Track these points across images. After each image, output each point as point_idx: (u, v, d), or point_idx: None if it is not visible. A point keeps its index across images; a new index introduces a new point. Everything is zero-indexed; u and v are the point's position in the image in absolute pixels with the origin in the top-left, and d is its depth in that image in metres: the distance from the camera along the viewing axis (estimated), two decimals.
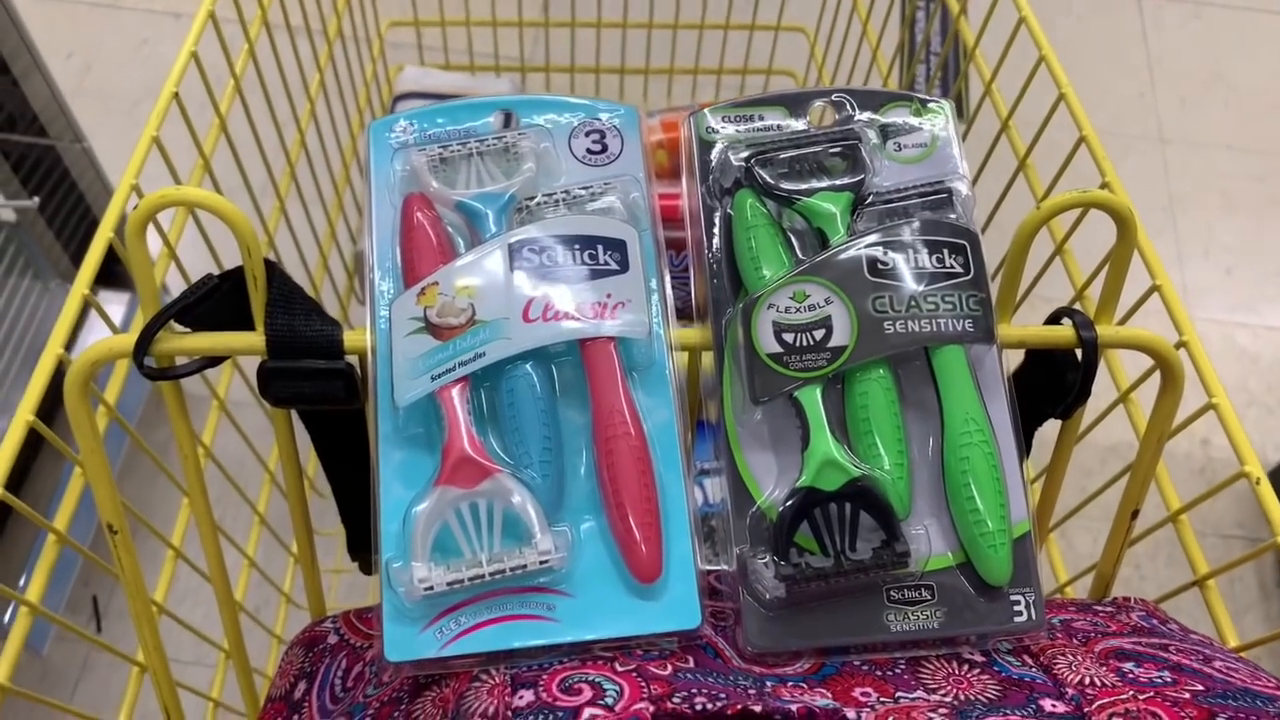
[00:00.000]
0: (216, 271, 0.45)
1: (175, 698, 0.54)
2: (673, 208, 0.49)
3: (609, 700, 0.37)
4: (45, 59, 1.01)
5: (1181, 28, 1.73)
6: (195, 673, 1.00)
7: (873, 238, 0.43)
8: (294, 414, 0.49)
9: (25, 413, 0.47)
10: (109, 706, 1.09)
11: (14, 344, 1.11)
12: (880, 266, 0.42)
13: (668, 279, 0.45)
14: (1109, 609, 0.49)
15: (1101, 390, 0.56)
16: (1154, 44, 1.70)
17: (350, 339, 0.43)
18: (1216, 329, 1.43)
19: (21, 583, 1.05)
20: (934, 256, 0.43)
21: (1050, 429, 0.51)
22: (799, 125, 0.47)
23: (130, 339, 0.43)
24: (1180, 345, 0.50)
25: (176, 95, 0.59)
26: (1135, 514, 0.50)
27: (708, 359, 0.44)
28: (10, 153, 1.06)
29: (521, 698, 0.38)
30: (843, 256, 0.43)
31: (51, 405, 0.48)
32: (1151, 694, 0.39)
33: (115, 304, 1.17)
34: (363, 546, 0.53)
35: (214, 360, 0.45)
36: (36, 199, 1.01)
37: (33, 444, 1.08)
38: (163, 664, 0.53)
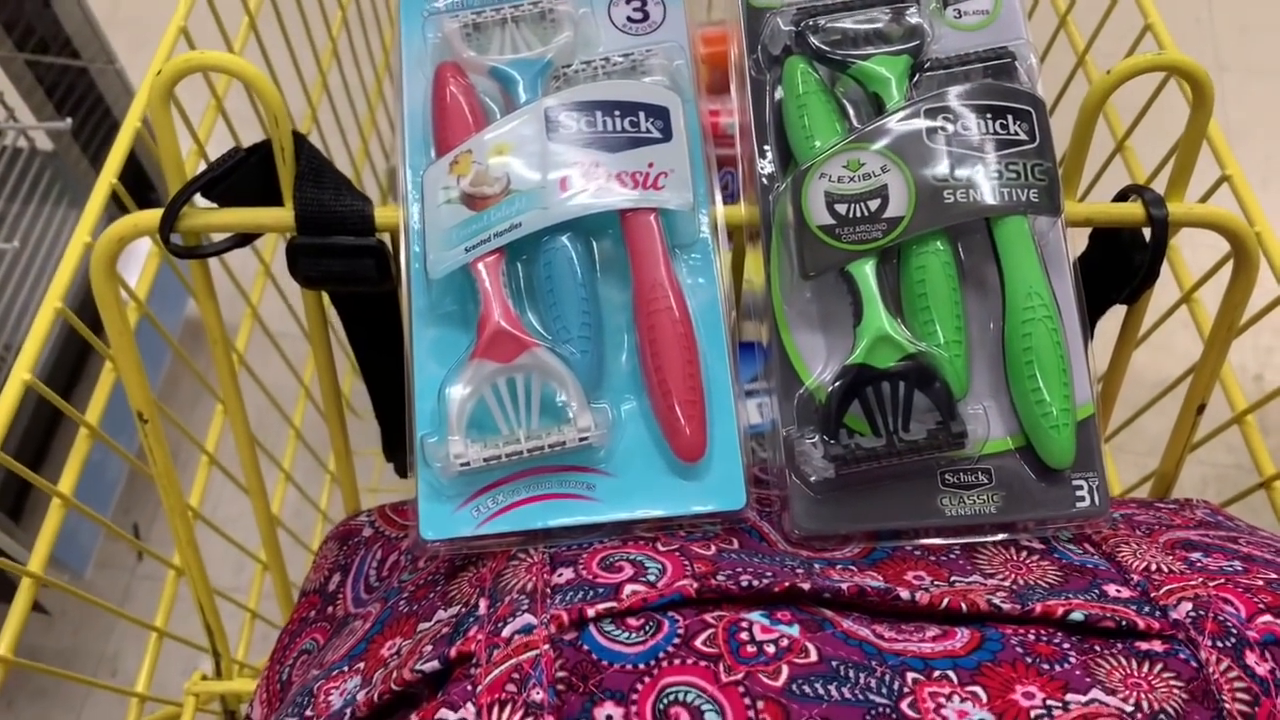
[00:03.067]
0: None
1: (210, 596, 0.54)
2: (715, 124, 0.46)
3: (651, 578, 0.35)
4: None
5: None
6: (236, 597, 1.00)
7: (931, 103, 0.40)
8: (327, 300, 0.48)
9: (54, 299, 0.46)
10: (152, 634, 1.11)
11: (51, 268, 1.10)
12: (940, 133, 0.40)
13: (713, 156, 0.43)
14: (1172, 506, 0.47)
15: (1165, 296, 0.54)
16: None
17: (381, 215, 0.42)
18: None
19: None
20: (997, 122, 0.40)
21: (1110, 337, 0.49)
22: None
23: (156, 215, 0.42)
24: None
25: None
26: (1201, 409, 0.48)
27: (755, 270, 0.42)
28: (43, 76, 1.05)
29: (561, 575, 0.36)
30: (899, 122, 0.40)
31: (89, 317, 0.46)
32: (1222, 580, 0.37)
33: None
34: (399, 445, 0.52)
35: (243, 239, 0.44)
36: (69, 120, 1.00)
37: (72, 365, 1.08)
38: (197, 562, 0.53)
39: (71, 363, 1.09)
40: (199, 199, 0.43)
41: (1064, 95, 0.67)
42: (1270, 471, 0.51)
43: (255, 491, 0.54)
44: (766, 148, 0.42)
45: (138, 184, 1.06)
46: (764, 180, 0.42)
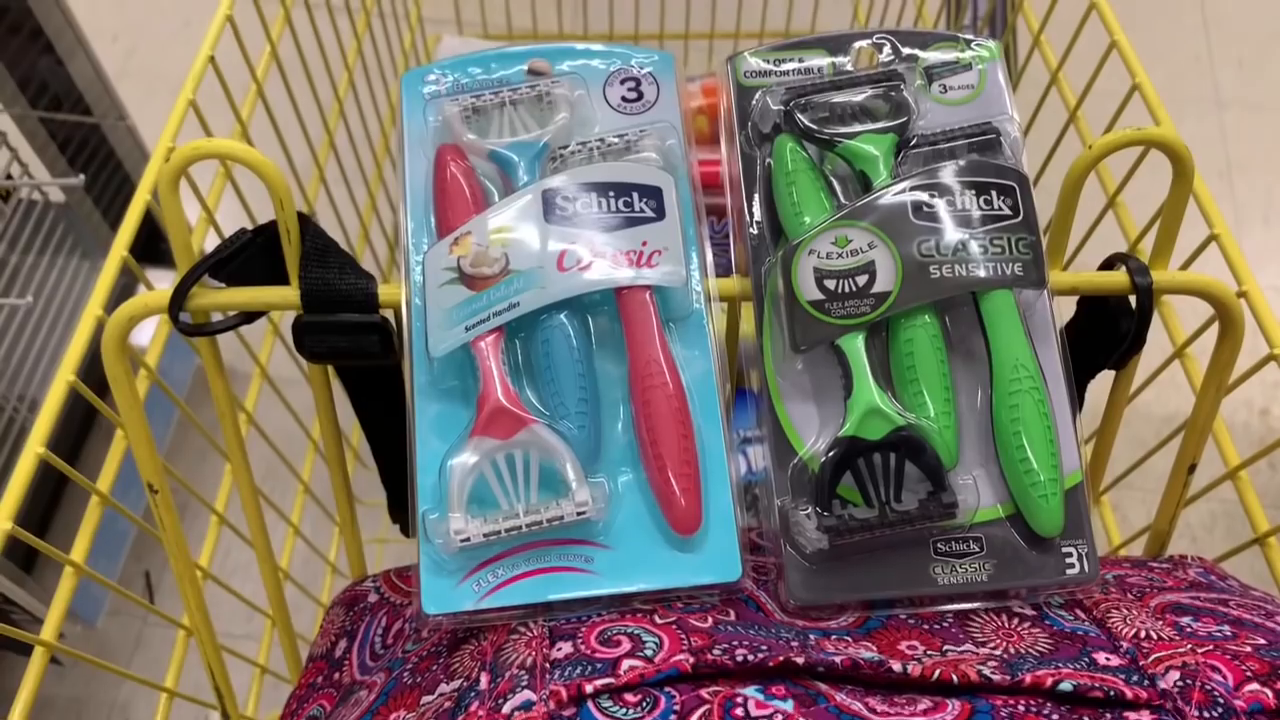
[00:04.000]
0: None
1: (219, 657, 0.54)
2: (714, 174, 0.48)
3: (648, 652, 0.36)
4: (90, 41, 1.01)
5: None
6: (245, 646, 1.01)
7: (917, 179, 0.41)
8: (332, 373, 0.49)
9: (66, 373, 0.47)
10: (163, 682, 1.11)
11: (65, 321, 1.12)
12: (925, 209, 0.41)
13: (706, 230, 0.44)
14: (1165, 565, 0.47)
15: (1157, 352, 0.55)
16: (1210, 5, 1.66)
17: (385, 292, 0.43)
18: (1276, 296, 1.39)
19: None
20: (981, 198, 0.41)
21: (1103, 394, 0.49)
22: (841, 67, 0.45)
23: (165, 295, 0.43)
24: (1240, 295, 0.48)
25: (212, 60, 0.59)
26: (1192, 468, 0.49)
27: (748, 321, 0.43)
28: (56, 132, 1.07)
29: (560, 649, 0.37)
30: (886, 199, 0.41)
31: (100, 376, 0.47)
32: (1210, 647, 0.38)
33: (162, 281, 1.18)
34: (403, 507, 0.53)
35: (250, 316, 0.45)
36: (82, 176, 1.02)
37: (84, 423, 1.10)
38: (206, 624, 0.54)
39: (84, 415, 1.10)
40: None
41: (1056, 149, 0.68)
42: (1265, 528, 0.51)
43: (262, 555, 0.55)
44: (755, 198, 0.43)
45: (150, 236, 1.07)
46: (753, 231, 0.43)
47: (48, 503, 1.05)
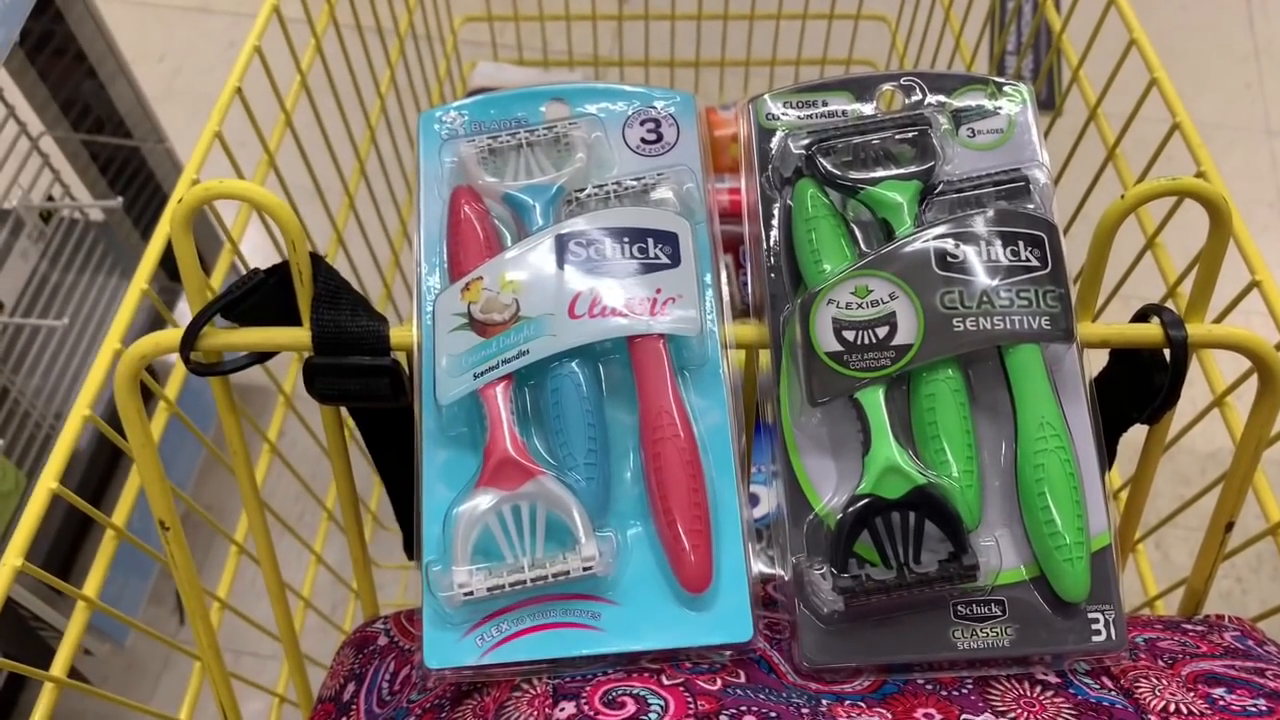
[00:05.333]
0: None
1: (230, 691, 0.54)
2: (736, 202, 0.47)
3: (652, 716, 0.35)
4: (137, 62, 1.03)
5: None
6: (271, 666, 1.01)
7: (942, 228, 0.40)
8: (346, 411, 0.49)
9: (82, 407, 0.47)
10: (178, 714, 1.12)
11: (102, 340, 1.13)
12: (950, 259, 0.40)
13: (724, 274, 0.43)
14: (1200, 628, 0.45)
15: (1198, 395, 0.53)
16: (1261, 31, 1.62)
17: (396, 335, 0.42)
18: None
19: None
20: (1008, 249, 0.40)
21: (1138, 440, 0.48)
22: (866, 111, 0.44)
23: (177, 334, 0.43)
24: None
25: (240, 91, 0.59)
26: (1230, 526, 0.47)
27: (765, 358, 0.42)
28: (98, 154, 1.09)
29: (563, 710, 0.36)
30: (909, 249, 0.40)
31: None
32: None
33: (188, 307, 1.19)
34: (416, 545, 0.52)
35: (261, 356, 0.44)
36: (121, 199, 1.03)
37: (113, 452, 1.11)
38: (216, 659, 0.53)
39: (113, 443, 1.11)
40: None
41: (1094, 188, 0.66)
42: None
43: (273, 589, 0.54)
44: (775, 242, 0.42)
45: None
46: (772, 277, 0.42)
47: (78, 526, 1.05)
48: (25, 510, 0.45)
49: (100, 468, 1.09)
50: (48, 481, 0.46)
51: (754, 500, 0.60)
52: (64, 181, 1.09)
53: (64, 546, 1.03)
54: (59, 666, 0.47)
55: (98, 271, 1.16)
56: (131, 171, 1.12)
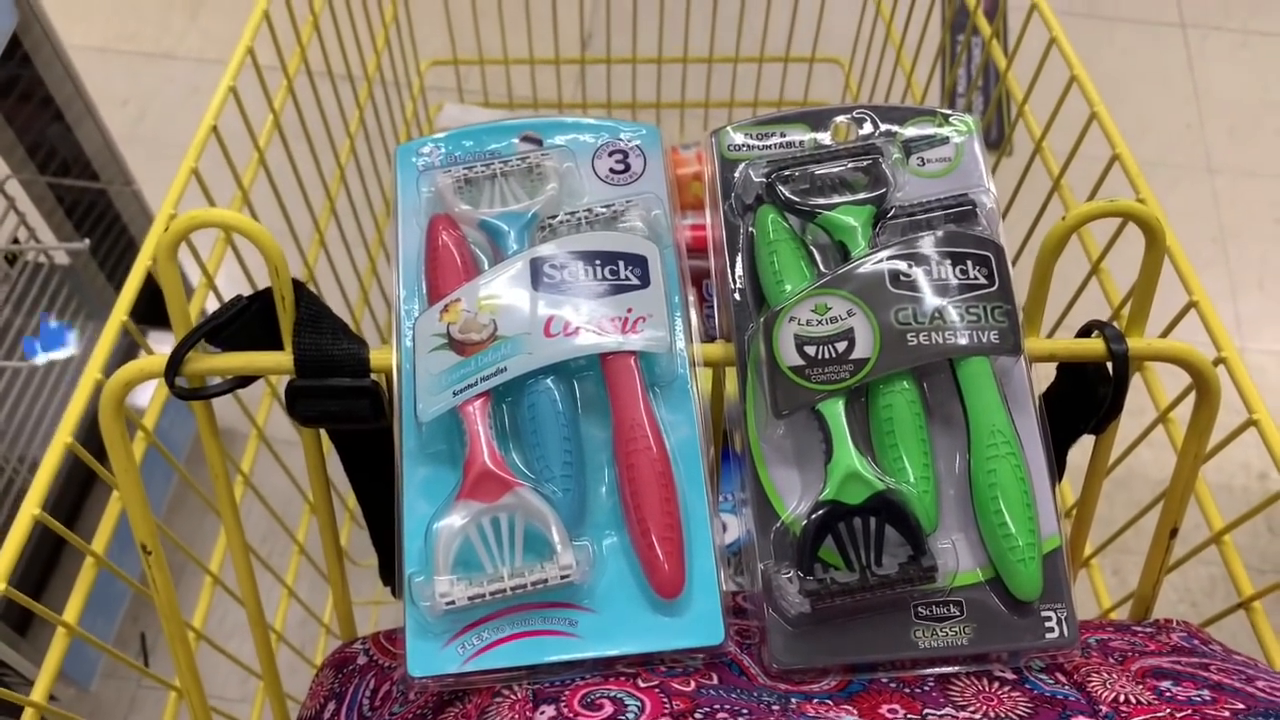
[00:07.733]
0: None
1: (209, 719, 0.54)
2: (705, 238, 0.49)
3: (630, 716, 0.37)
4: (102, 106, 1.04)
5: (1229, 57, 1.71)
6: (240, 710, 1.00)
7: (894, 250, 0.43)
8: (324, 436, 0.50)
9: (64, 435, 0.48)
10: None
11: (68, 382, 1.13)
12: (902, 278, 0.42)
13: (691, 296, 0.45)
14: (1149, 629, 0.47)
15: (1147, 416, 0.55)
16: (1200, 74, 1.69)
17: (376, 357, 0.44)
18: (1273, 360, 1.39)
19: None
20: (957, 268, 0.42)
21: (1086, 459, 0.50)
22: (822, 140, 0.47)
23: (162, 360, 0.44)
24: (1219, 362, 0.49)
25: (215, 129, 0.60)
26: (1174, 533, 0.49)
27: (733, 385, 0.44)
28: (64, 196, 1.09)
29: (543, 713, 0.37)
30: (864, 268, 0.42)
31: (100, 438, 0.48)
32: (1189, 712, 0.38)
33: (164, 343, 1.19)
34: (393, 569, 0.53)
35: (244, 380, 0.46)
36: (88, 240, 1.03)
37: (84, 481, 1.10)
38: (197, 686, 0.54)
39: (85, 475, 1.11)
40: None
41: (1042, 216, 0.69)
42: (1249, 591, 0.51)
43: (254, 616, 0.55)
44: (739, 265, 0.45)
45: (154, 298, 1.09)
46: (736, 299, 0.44)
47: (45, 562, 1.05)
48: (9, 535, 0.46)
49: (72, 495, 1.09)
50: (30, 508, 0.46)
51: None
52: (29, 225, 1.09)
53: (34, 576, 1.02)
54: (39, 692, 0.48)
55: (62, 315, 1.16)
56: (98, 214, 1.12)
